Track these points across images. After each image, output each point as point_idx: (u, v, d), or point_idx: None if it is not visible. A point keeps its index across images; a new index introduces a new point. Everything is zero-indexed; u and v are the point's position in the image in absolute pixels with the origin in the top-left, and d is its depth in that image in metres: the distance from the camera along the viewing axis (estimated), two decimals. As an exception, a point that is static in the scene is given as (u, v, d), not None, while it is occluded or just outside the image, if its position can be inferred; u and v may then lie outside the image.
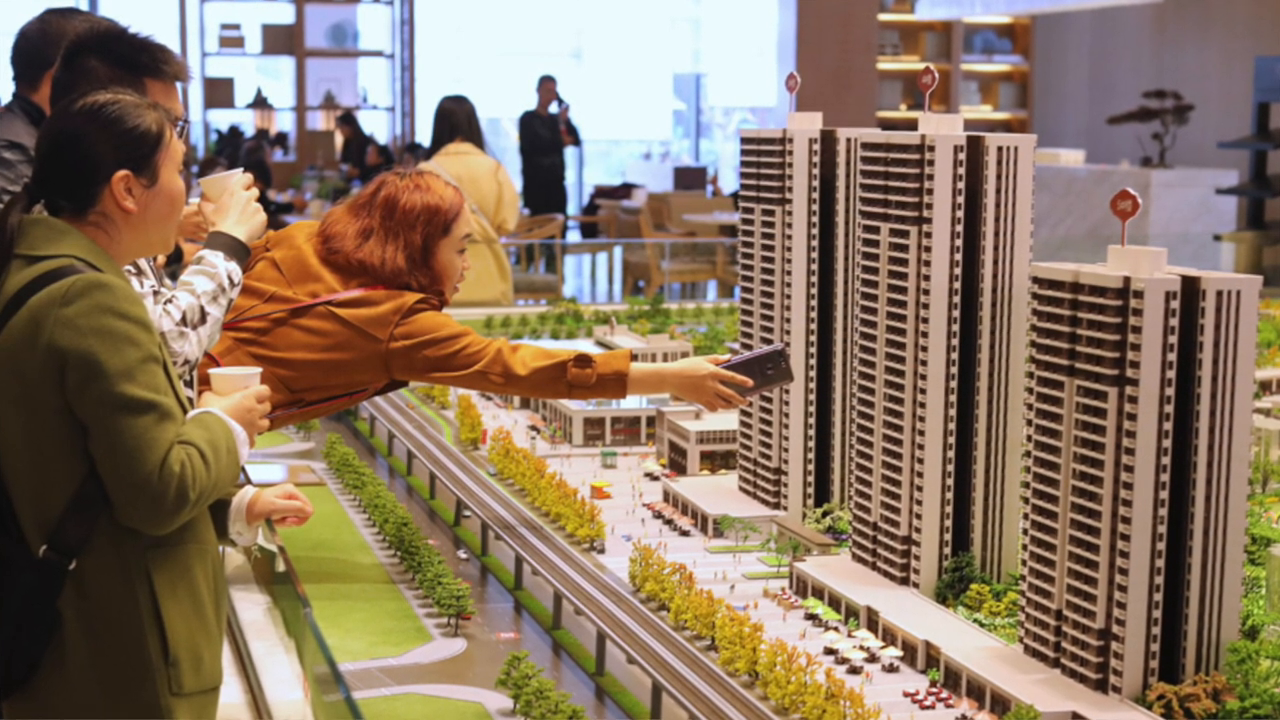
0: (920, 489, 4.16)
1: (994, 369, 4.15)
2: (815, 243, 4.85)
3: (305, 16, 20.44)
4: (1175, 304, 3.35)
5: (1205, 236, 15.55)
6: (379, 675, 3.76)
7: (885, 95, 19.97)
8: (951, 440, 4.15)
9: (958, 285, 4.11)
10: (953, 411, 4.14)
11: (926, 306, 4.10)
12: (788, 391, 4.89)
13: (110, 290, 2.94)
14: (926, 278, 4.10)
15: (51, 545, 2.94)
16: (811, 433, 4.90)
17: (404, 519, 4.69)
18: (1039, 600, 3.62)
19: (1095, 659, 3.45)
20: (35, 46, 4.85)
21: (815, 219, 4.84)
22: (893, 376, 4.23)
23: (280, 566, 4.11)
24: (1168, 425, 3.37)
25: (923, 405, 4.13)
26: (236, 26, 20.51)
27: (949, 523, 4.17)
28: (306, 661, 3.72)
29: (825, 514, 4.81)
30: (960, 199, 4.10)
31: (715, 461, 5.50)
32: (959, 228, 4.10)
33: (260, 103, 21.27)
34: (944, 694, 3.55)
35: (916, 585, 4.16)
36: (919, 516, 4.16)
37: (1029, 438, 3.65)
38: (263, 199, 4.13)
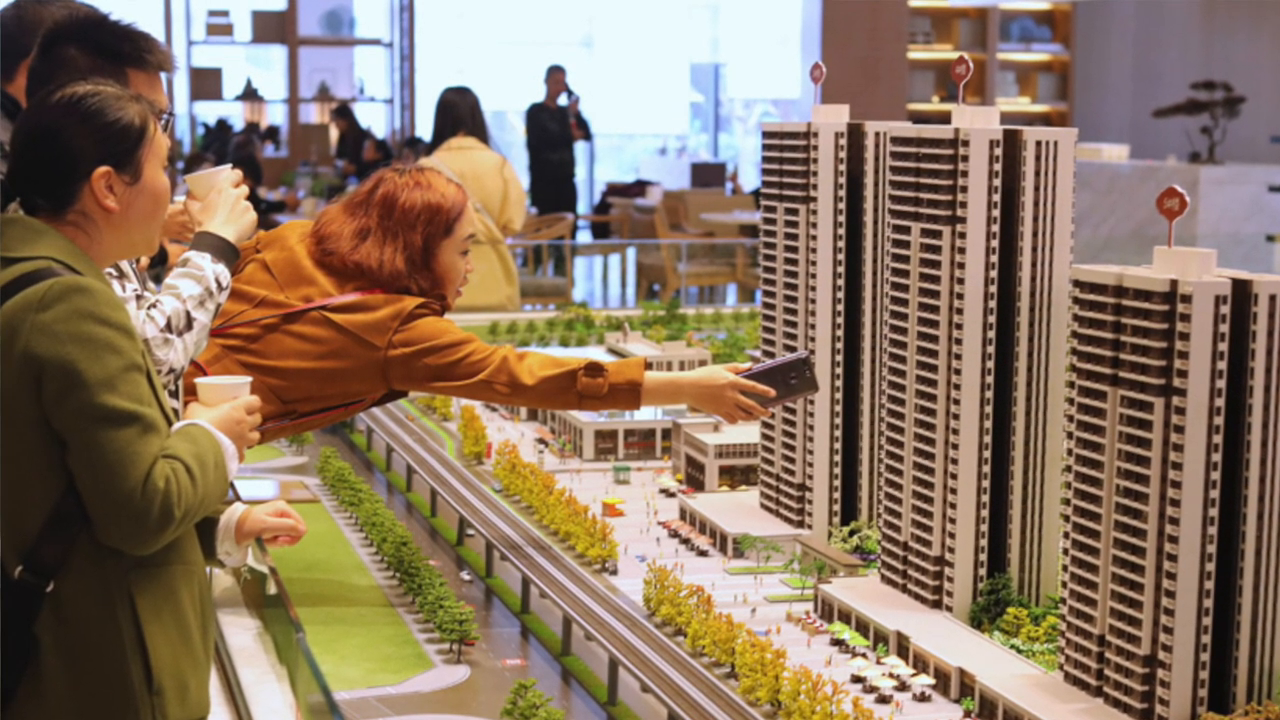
0: (954, 506, 4.15)
1: (1032, 378, 4.15)
2: (842, 243, 4.85)
3: (298, 2, 20.51)
4: (1225, 309, 3.34)
5: (1258, 237, 15.54)
6: (376, 705, 3.76)
7: (916, 86, 19.99)
8: (987, 454, 4.15)
9: (994, 289, 4.11)
10: (988, 423, 4.14)
11: (960, 311, 4.10)
12: (812, 402, 4.89)
13: (90, 294, 2.95)
14: (960, 281, 4.10)
15: (28, 566, 2.95)
16: (838, 446, 4.90)
17: (403, 538, 4.69)
18: (1080, 625, 3.62)
19: (1140, 687, 3.44)
20: (10, 35, 4.87)
21: (842, 218, 4.84)
22: (924, 386, 4.22)
23: (271, 589, 4.12)
24: (1217, 438, 3.37)
25: (956, 417, 4.13)
26: (225, 13, 20.58)
27: (984, 542, 4.17)
28: (299, 690, 3.73)
29: (852, 533, 4.81)
30: (996, 197, 4.10)
31: (735, 477, 5.50)
32: (995, 228, 4.10)
33: (250, 94, 21.33)
34: (979, 725, 3.55)
35: (949, 609, 4.16)
36: (952, 535, 4.16)
37: (1069, 451, 3.64)
38: (252, 197, 4.14)
